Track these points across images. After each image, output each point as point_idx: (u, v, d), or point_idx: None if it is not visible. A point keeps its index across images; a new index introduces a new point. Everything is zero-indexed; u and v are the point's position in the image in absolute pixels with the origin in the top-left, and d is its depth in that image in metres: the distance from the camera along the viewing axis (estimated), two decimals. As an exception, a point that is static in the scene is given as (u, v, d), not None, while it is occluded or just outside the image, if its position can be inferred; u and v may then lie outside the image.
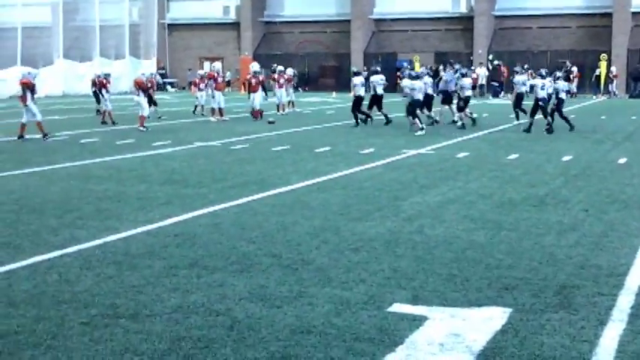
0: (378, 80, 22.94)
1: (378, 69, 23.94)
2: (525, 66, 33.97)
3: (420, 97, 21.11)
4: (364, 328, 5.40)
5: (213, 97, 25.70)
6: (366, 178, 12.49)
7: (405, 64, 30.71)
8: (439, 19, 48.28)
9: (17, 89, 21.55)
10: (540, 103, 20.28)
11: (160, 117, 25.73)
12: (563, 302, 5.98)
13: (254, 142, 18.48)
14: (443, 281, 6.54)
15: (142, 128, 21.26)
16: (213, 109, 25.73)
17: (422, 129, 20.22)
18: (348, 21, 49.39)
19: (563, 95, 21.16)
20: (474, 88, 42.34)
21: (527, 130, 20.35)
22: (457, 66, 25.09)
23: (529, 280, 6.57)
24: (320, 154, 15.82)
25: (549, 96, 20.64)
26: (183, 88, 51.84)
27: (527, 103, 22.12)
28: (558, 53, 45.45)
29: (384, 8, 49.57)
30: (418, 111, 21.14)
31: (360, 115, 22.92)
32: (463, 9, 47.64)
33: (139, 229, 8.58)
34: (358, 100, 22.82)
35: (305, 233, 8.38)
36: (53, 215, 9.43)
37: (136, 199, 10.57)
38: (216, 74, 26.08)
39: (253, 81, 25.49)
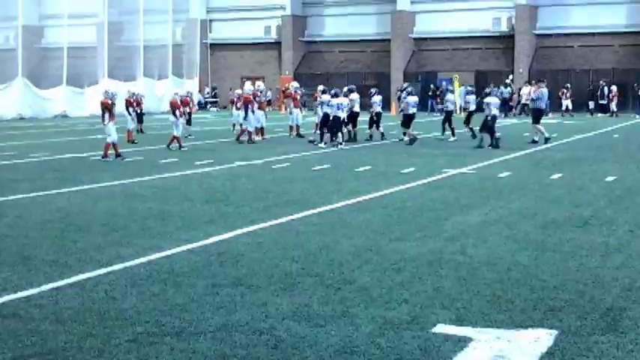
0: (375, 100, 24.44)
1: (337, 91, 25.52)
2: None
3: (340, 114, 22.25)
4: (408, 349, 5.39)
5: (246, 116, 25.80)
6: (408, 198, 12.47)
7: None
8: (480, 37, 48.11)
9: (64, 109, 21.80)
10: (489, 119, 21.49)
11: (188, 136, 25.66)
12: (610, 325, 5.90)
13: (294, 161, 18.56)
14: (487, 302, 6.49)
15: (184, 148, 21.41)
16: (256, 128, 25.86)
17: (322, 143, 22.17)
18: (388, 40, 49.48)
19: (496, 112, 22.21)
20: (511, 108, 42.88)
21: (479, 145, 21.48)
22: (405, 84, 26.84)
23: (575, 302, 6.50)
24: (360, 174, 15.84)
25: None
26: (225, 108, 52.34)
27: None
28: (600, 72, 44.99)
29: (424, 27, 49.57)
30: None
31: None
32: (504, 28, 47.40)
33: (183, 248, 8.66)
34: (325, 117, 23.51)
35: (347, 253, 8.39)
36: (99, 233, 9.57)
37: (180, 217, 10.68)
38: (259, 93, 26.07)
39: (263, 99, 25.50)
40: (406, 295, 6.72)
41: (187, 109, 25.21)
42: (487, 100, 21.95)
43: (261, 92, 26.26)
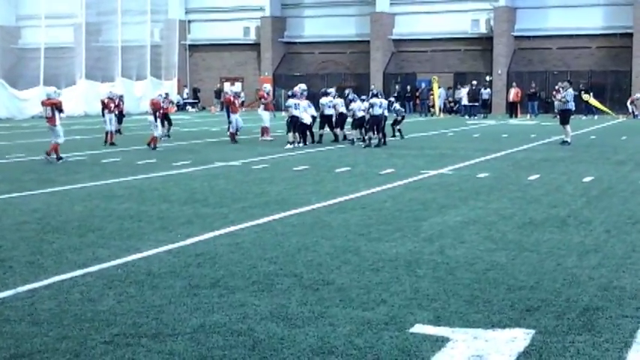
0: (327, 102, 24.71)
1: (328, 91, 26.00)
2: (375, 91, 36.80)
3: (298, 113, 22.77)
4: (386, 349, 5.39)
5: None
6: (386, 199, 12.49)
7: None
8: (458, 39, 48.32)
9: (41, 110, 21.49)
10: (374, 120, 22.71)
11: (167, 135, 25.78)
12: (586, 324, 5.93)
13: (274, 162, 18.54)
14: (465, 302, 6.51)
15: (156, 148, 21.36)
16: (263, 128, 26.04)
17: (291, 143, 22.46)
18: (368, 42, 49.57)
19: (362, 113, 23.50)
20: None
21: (379, 144, 22.62)
22: (347, 91, 27.47)
23: (552, 301, 6.53)
24: (340, 175, 15.84)
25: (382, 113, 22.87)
26: (204, 108, 52.16)
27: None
28: (578, 74, 45.29)
29: (403, 29, 49.71)
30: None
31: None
32: (482, 29, 47.63)
33: (161, 249, 8.61)
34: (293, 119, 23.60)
35: (325, 253, 8.38)
36: (76, 234, 9.49)
37: (158, 218, 10.62)
38: (266, 95, 26.48)
39: (237, 102, 25.91)
40: (384, 295, 6.72)
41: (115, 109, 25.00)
42: (351, 105, 23.76)
43: (267, 94, 26.56)
